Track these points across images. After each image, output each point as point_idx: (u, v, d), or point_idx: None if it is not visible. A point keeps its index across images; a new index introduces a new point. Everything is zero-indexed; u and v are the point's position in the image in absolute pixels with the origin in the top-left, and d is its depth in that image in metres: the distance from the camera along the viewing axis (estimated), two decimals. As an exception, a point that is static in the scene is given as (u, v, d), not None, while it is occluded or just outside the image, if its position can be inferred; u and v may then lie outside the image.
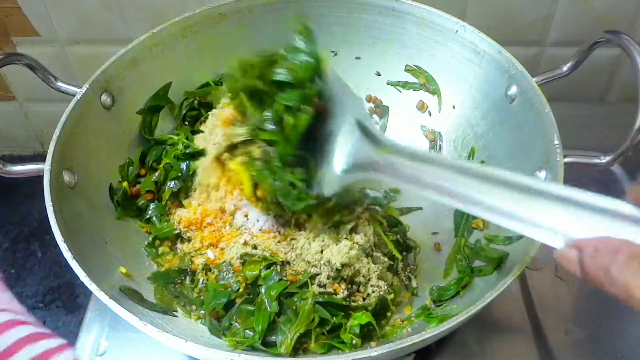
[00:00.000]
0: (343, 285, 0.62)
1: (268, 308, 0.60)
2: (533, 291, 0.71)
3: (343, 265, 0.62)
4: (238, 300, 0.62)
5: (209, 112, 0.76)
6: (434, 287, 0.66)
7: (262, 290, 0.62)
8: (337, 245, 0.63)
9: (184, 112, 0.78)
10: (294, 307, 0.60)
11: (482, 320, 0.68)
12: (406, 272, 0.68)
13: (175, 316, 0.63)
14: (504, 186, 0.46)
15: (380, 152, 0.56)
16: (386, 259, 0.66)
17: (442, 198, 0.51)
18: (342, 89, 0.60)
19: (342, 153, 0.57)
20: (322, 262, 0.63)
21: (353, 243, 0.63)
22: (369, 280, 0.63)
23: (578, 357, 0.65)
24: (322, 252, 0.63)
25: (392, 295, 0.64)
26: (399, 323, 0.63)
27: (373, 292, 0.63)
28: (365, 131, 0.57)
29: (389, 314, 0.63)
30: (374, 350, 0.48)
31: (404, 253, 0.69)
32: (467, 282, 0.64)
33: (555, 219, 0.42)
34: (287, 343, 0.58)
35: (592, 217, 0.40)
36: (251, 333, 0.60)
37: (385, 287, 0.63)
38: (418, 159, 0.54)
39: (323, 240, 0.64)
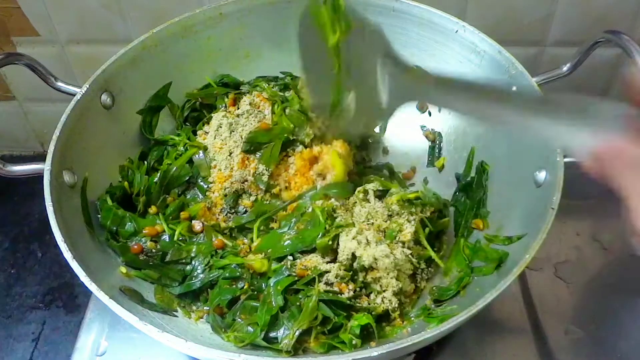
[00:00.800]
0: (350, 286, 0.62)
1: (273, 302, 0.60)
2: (533, 291, 0.71)
3: (367, 268, 0.62)
4: (243, 297, 0.63)
5: (211, 114, 0.77)
6: (434, 287, 0.66)
7: (271, 283, 0.62)
8: (375, 245, 0.62)
9: (185, 113, 0.78)
10: (298, 304, 0.60)
11: (482, 320, 0.68)
12: (422, 274, 0.68)
13: (175, 316, 0.63)
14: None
15: (411, 78, 0.59)
16: (415, 260, 0.65)
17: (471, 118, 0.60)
18: (362, 20, 0.63)
19: (381, 87, 0.61)
20: (345, 253, 0.62)
21: (391, 251, 0.63)
22: (383, 291, 0.63)
23: (578, 357, 0.66)
24: (358, 242, 0.63)
25: (397, 313, 0.63)
26: (399, 323, 0.63)
27: (382, 302, 0.62)
28: (394, 60, 0.60)
29: (392, 317, 0.63)
30: (374, 350, 0.48)
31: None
32: (467, 282, 0.64)
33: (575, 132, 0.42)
34: (290, 337, 0.58)
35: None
36: (252, 329, 0.60)
37: (396, 305, 0.63)
38: (443, 83, 0.56)
39: (363, 233, 0.64)
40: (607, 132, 0.40)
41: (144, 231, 0.66)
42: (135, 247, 0.65)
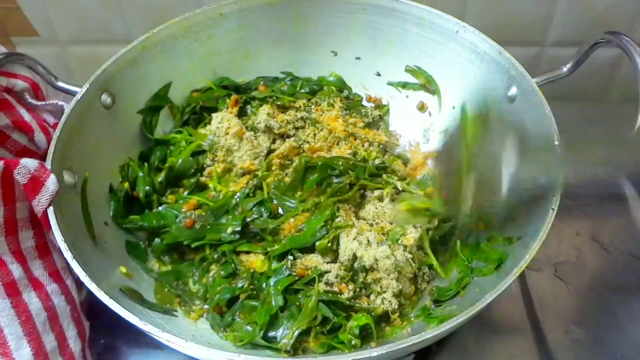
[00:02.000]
0: (350, 286, 0.62)
1: (273, 302, 0.60)
2: (533, 291, 0.71)
3: (368, 268, 0.62)
4: (242, 296, 0.63)
5: (213, 114, 0.76)
6: (434, 287, 0.66)
7: (271, 282, 0.62)
8: (376, 246, 0.63)
9: (185, 117, 0.78)
10: (298, 304, 0.60)
11: (482, 321, 0.68)
12: (424, 277, 0.68)
13: (175, 316, 0.63)
14: None
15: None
16: (415, 265, 0.65)
17: None
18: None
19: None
20: (346, 253, 0.62)
21: (392, 253, 0.63)
22: (383, 292, 0.63)
23: (578, 357, 0.65)
24: (359, 242, 0.63)
25: (396, 315, 0.63)
26: (399, 323, 0.63)
27: (382, 303, 0.62)
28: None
29: (391, 318, 0.63)
30: (374, 351, 0.48)
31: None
32: (467, 282, 0.64)
33: None
34: (289, 337, 0.58)
35: None
36: (251, 328, 0.60)
37: (396, 306, 0.63)
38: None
39: (363, 234, 0.64)
40: None
41: (182, 209, 0.69)
42: (187, 221, 0.68)
